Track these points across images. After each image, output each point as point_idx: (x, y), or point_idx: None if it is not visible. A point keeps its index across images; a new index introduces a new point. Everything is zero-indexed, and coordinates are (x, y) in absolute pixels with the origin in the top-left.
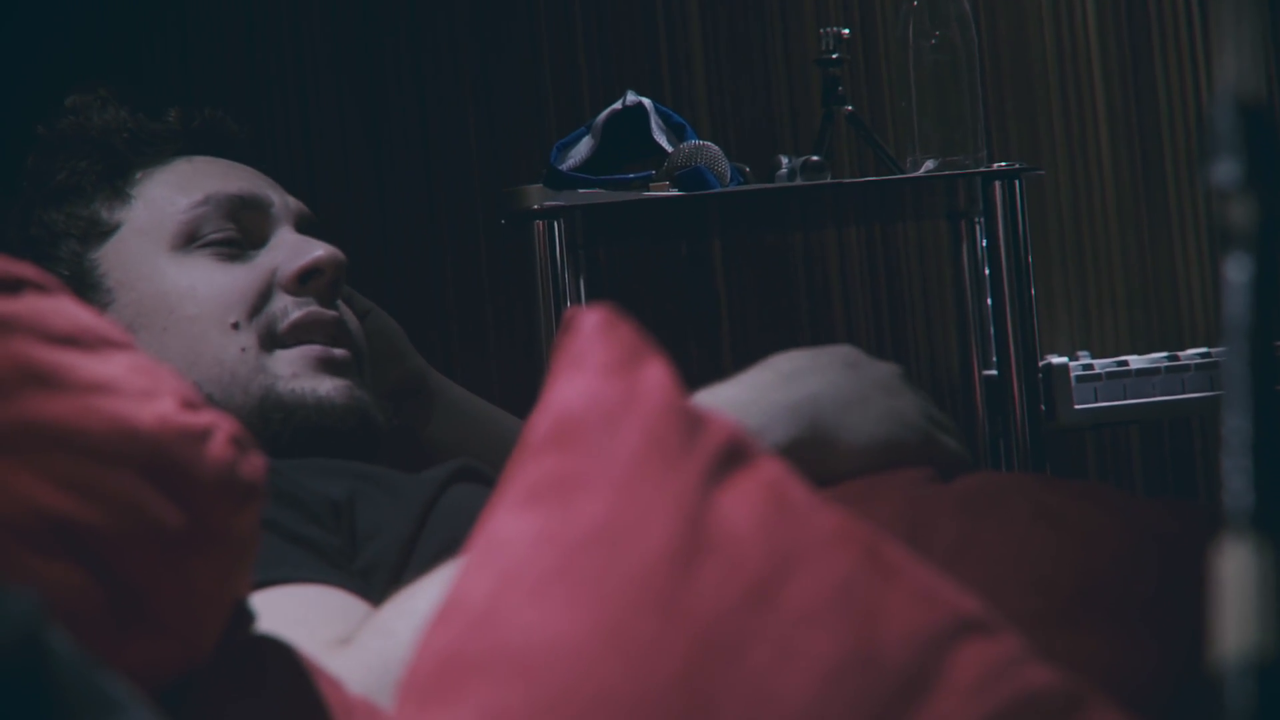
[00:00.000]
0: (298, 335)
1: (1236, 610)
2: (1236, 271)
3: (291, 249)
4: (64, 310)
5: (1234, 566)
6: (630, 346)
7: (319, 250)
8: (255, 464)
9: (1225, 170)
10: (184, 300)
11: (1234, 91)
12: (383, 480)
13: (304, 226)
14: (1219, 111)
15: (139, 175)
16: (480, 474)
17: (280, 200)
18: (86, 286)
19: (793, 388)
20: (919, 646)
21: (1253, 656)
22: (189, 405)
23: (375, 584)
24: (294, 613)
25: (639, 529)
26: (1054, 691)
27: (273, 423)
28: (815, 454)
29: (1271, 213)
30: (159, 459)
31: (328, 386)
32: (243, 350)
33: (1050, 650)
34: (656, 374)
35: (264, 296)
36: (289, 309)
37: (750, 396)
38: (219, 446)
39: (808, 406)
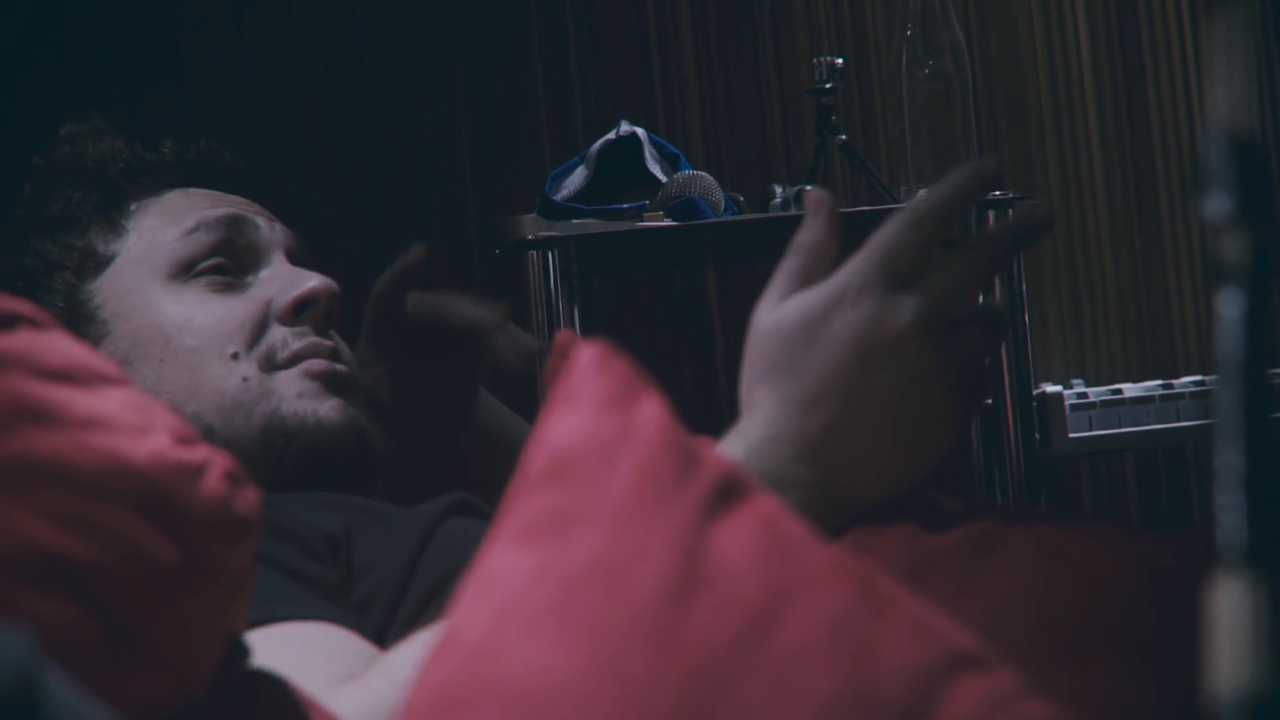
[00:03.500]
0: (300, 359)
1: (1231, 646)
2: (1228, 306)
3: (286, 280)
4: (58, 346)
5: (1228, 602)
6: (625, 381)
7: (313, 281)
8: (250, 499)
9: (1217, 204)
10: (181, 332)
11: (1226, 125)
12: (379, 514)
13: (296, 256)
14: (1211, 145)
15: (134, 207)
16: (476, 508)
17: (270, 227)
18: (81, 318)
19: (811, 424)
20: (915, 681)
21: (1247, 692)
22: (183, 440)
23: (370, 618)
24: (292, 650)
25: (635, 564)
26: None
27: (274, 447)
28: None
29: (1263, 247)
30: (153, 494)
31: (327, 407)
32: (244, 379)
33: (1050, 687)
34: (652, 409)
35: (260, 327)
36: (288, 340)
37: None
38: (213, 482)
39: (821, 453)
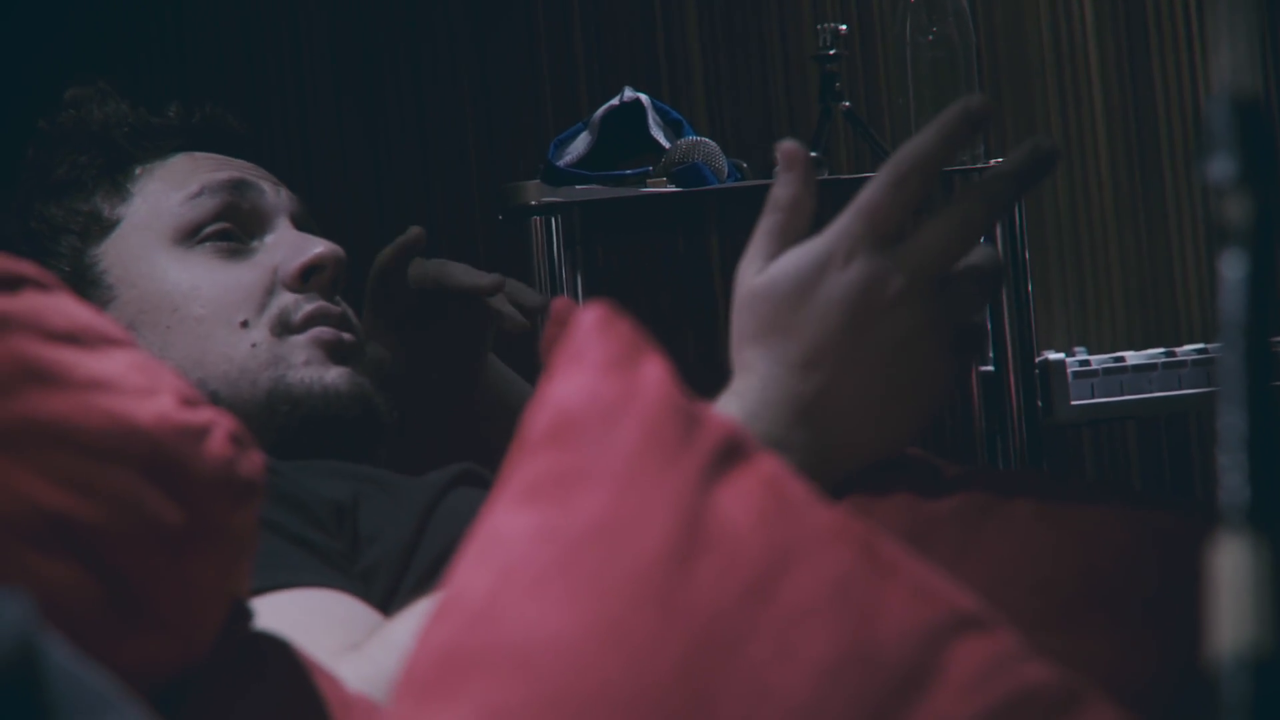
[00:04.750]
0: (310, 324)
1: (1232, 607)
2: (1232, 268)
3: (292, 246)
4: (63, 308)
5: (1230, 563)
6: (629, 343)
7: (320, 247)
8: (254, 461)
9: (1221, 167)
10: (189, 300)
11: (1230, 88)
12: (385, 483)
13: (301, 221)
14: (1215, 108)
15: (139, 171)
16: (482, 478)
17: (275, 191)
18: (86, 283)
19: (805, 386)
20: (916, 643)
21: (1248, 653)
22: (188, 402)
23: (376, 587)
24: (296, 618)
25: (637, 525)
26: (1051, 688)
27: (279, 414)
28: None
29: (1267, 209)
30: (158, 456)
31: (333, 375)
32: (253, 346)
33: (1050, 650)
34: (655, 371)
35: (268, 293)
36: (299, 303)
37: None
38: (218, 444)
39: (816, 415)
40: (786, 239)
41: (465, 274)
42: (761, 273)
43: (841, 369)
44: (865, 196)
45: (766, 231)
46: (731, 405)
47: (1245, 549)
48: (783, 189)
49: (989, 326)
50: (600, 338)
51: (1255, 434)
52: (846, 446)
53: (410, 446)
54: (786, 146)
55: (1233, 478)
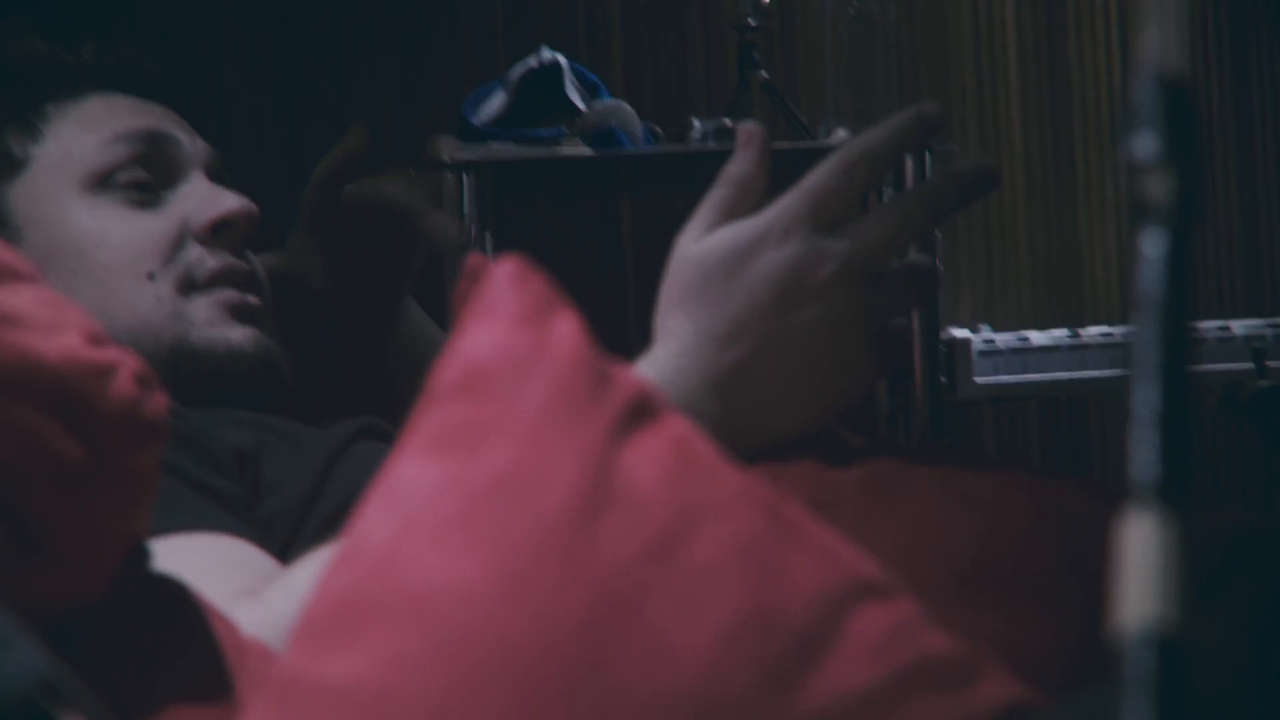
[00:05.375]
0: (214, 284)
1: (1139, 583)
2: (1151, 246)
3: (204, 198)
4: None
5: (1137, 539)
6: (542, 298)
7: (232, 201)
8: (159, 403)
9: (1143, 144)
10: (96, 247)
11: (1156, 65)
12: (288, 433)
13: (214, 173)
14: (1139, 85)
15: (51, 110)
16: (385, 433)
17: (191, 142)
18: None
19: (724, 358)
20: (819, 607)
21: (1154, 629)
22: (95, 341)
23: (275, 535)
24: (193, 561)
25: (544, 479)
26: (951, 659)
27: (182, 370)
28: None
29: (1187, 188)
30: (62, 393)
31: (239, 335)
32: (157, 299)
33: (948, 622)
34: (567, 327)
35: (176, 246)
36: (205, 259)
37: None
38: (123, 383)
39: (730, 389)
40: (730, 214)
41: (401, 191)
42: (699, 241)
43: (761, 346)
44: (811, 179)
45: (713, 204)
46: (647, 369)
47: (1153, 525)
48: (736, 165)
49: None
50: (513, 292)
51: (1168, 411)
52: (757, 423)
53: (328, 386)
54: (746, 126)
55: (1143, 453)
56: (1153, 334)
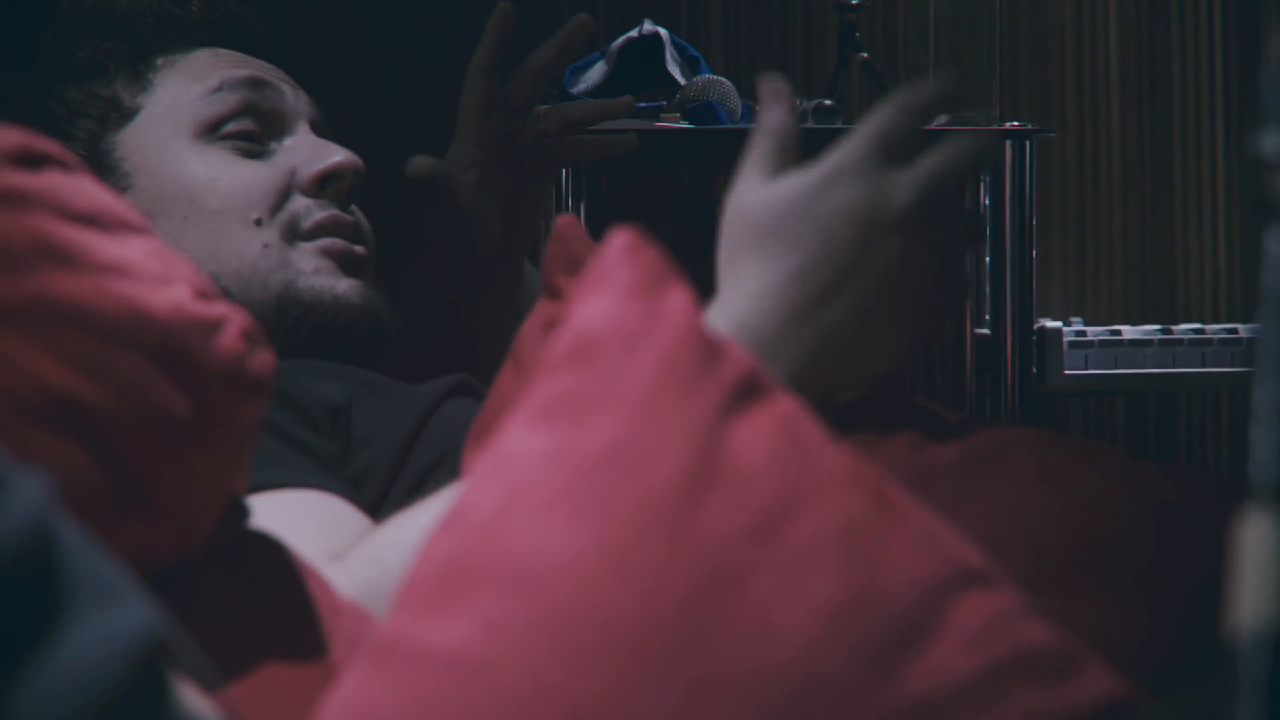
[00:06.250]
0: (320, 233)
1: (1256, 581)
2: (1277, 244)
3: (311, 151)
4: (84, 189)
5: (1255, 537)
6: (655, 271)
7: (339, 155)
8: (264, 359)
9: (1272, 141)
10: (206, 192)
11: None
12: (381, 388)
13: (318, 127)
14: (1269, 82)
15: (160, 61)
16: (478, 390)
17: (295, 95)
18: (103, 169)
19: (804, 294)
20: (921, 592)
21: (1270, 628)
22: (203, 295)
23: (367, 490)
24: (288, 518)
25: (651, 453)
26: (1050, 649)
27: (289, 318)
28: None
29: None
30: (169, 346)
31: (344, 285)
32: (265, 246)
33: (1044, 611)
34: (679, 300)
35: (283, 195)
36: (311, 209)
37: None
38: (230, 338)
39: (812, 323)
40: (780, 163)
41: (586, 107)
42: (765, 185)
43: (841, 279)
44: (875, 118)
45: (764, 154)
46: (719, 315)
47: (1272, 524)
48: (772, 117)
49: (988, 292)
50: (627, 263)
51: None
52: (839, 361)
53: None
54: (770, 81)
55: (1264, 452)
56: (1276, 332)
